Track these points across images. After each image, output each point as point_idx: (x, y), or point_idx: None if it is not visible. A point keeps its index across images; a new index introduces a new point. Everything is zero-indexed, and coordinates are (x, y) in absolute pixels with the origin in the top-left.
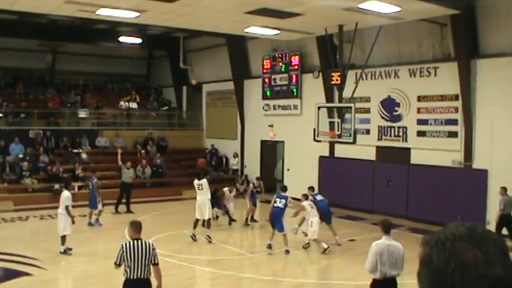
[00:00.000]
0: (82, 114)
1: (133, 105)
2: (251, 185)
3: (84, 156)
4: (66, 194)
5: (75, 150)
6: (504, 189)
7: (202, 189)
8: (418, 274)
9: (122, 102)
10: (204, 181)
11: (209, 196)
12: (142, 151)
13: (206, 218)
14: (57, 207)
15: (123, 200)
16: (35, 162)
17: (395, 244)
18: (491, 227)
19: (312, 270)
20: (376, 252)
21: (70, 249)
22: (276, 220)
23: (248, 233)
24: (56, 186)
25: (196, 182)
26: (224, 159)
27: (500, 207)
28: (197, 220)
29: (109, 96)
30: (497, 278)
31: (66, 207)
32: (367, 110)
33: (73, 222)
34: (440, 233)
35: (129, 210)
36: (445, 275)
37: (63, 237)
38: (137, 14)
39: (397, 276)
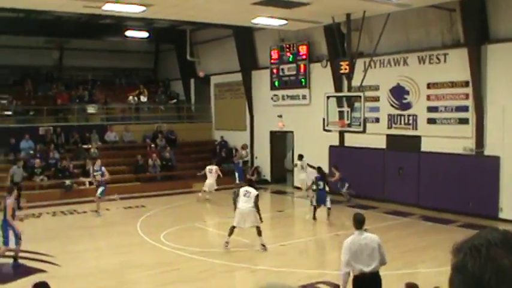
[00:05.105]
0: (91, 109)
1: (144, 99)
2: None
3: (93, 151)
4: None
5: (85, 146)
6: None
7: (249, 196)
8: (450, 281)
9: (130, 97)
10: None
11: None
12: (152, 145)
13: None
14: (69, 204)
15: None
16: (45, 159)
17: (368, 236)
18: (504, 214)
19: (325, 260)
20: (349, 248)
21: None
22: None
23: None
24: (67, 182)
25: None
26: (234, 151)
27: None
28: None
29: (117, 90)
30: None
31: None
32: (376, 99)
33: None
34: (474, 239)
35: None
36: (480, 282)
37: None
38: (143, 8)
39: (376, 270)
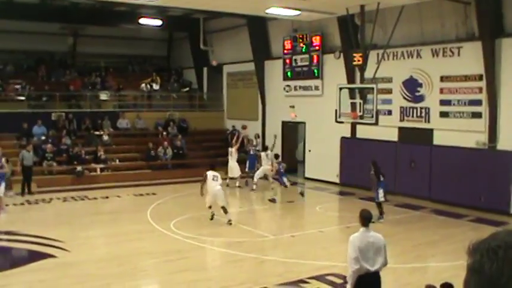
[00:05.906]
0: (103, 96)
1: (156, 86)
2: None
3: (105, 138)
4: None
5: (97, 132)
6: None
7: (217, 179)
8: (466, 282)
9: (143, 85)
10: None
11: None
12: (164, 133)
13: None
14: (80, 189)
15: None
16: (57, 144)
17: (375, 235)
18: None
19: (335, 252)
20: (358, 245)
21: None
22: None
23: (269, 215)
24: (78, 168)
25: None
26: (245, 141)
27: None
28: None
29: (130, 78)
30: None
31: None
32: (389, 91)
33: None
34: (491, 240)
35: (30, 192)
36: (497, 285)
37: None
38: None
39: (380, 270)
